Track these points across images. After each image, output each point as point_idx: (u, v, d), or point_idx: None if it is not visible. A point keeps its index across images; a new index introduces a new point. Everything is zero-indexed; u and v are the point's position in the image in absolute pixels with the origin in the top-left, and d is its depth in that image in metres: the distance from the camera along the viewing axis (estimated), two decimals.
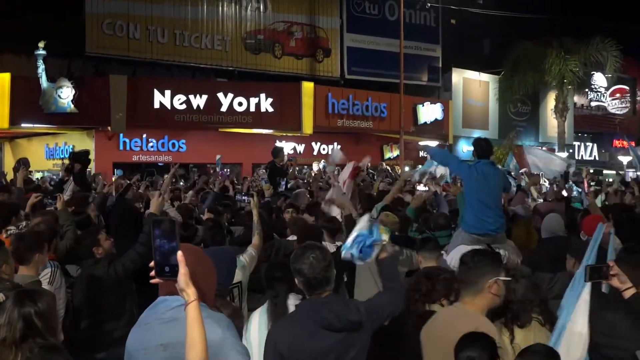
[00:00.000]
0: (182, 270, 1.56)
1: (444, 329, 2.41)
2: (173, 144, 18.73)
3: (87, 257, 3.69)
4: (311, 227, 4.53)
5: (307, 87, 19.13)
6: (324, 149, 21.62)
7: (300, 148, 21.13)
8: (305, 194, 7.26)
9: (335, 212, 5.03)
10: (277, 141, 19.03)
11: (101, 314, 3.51)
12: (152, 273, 1.57)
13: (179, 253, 1.56)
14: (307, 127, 18.98)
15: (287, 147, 18.84)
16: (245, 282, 3.76)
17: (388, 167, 16.69)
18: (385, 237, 2.45)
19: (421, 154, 22.40)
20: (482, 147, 5.06)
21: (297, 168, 13.50)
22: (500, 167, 6.33)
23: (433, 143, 21.56)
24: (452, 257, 4.11)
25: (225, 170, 16.29)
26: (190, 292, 1.59)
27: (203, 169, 19.20)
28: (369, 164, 14.85)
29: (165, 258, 1.55)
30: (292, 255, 2.42)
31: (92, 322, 3.53)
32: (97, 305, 3.55)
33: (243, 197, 3.84)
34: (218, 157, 13.42)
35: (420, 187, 7.06)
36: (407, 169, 16.09)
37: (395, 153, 22.60)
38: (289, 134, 19.60)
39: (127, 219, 4.42)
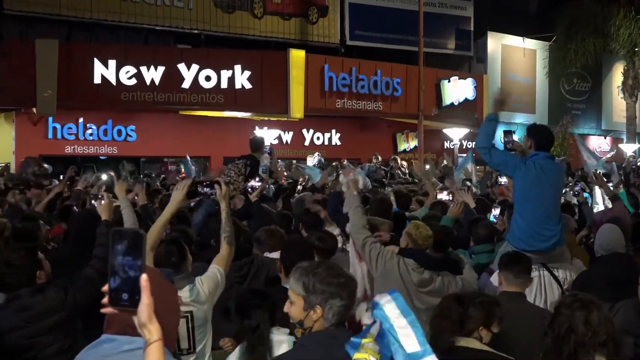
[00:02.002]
0: (146, 300, 1.56)
1: None
2: (119, 132, 18.76)
3: (24, 284, 3.52)
4: (296, 242, 4.53)
5: (297, 56, 19.12)
6: (318, 139, 21.92)
7: (287, 137, 21.22)
8: (312, 199, 7.48)
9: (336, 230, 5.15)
10: (257, 128, 19.14)
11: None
12: (104, 300, 1.57)
13: (144, 277, 1.57)
14: (297, 110, 19.05)
15: (270, 135, 18.89)
16: (202, 314, 3.66)
17: (403, 163, 16.94)
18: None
19: (446, 144, 23.14)
20: (542, 135, 5.07)
21: (279, 163, 13.53)
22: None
23: (461, 131, 21.83)
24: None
25: (178, 165, 16.25)
26: (154, 330, 1.59)
27: (159, 164, 19.62)
28: (379, 158, 16.27)
29: (125, 282, 1.57)
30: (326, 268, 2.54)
31: None
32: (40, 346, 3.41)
33: (205, 190, 3.87)
34: (188, 158, 13.61)
35: (442, 195, 7.19)
36: (427, 167, 16.33)
37: (413, 144, 22.68)
38: (272, 118, 19.62)
39: (88, 231, 4.38)
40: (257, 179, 7.07)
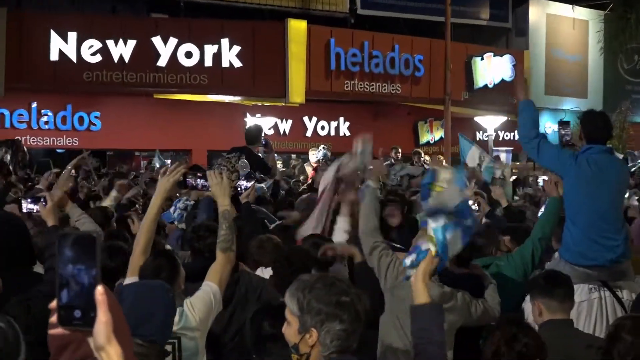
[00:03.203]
0: (103, 318, 1.58)
1: None
2: (80, 119, 18.94)
3: None
4: (292, 252, 4.61)
5: (297, 28, 19.20)
6: (323, 129, 22.18)
7: (285, 127, 21.50)
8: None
9: (342, 233, 5.27)
10: (248, 115, 19.53)
11: None
12: (53, 319, 1.59)
13: (99, 289, 1.58)
14: (296, 94, 19.17)
15: (264, 125, 18.56)
16: (193, 345, 3.69)
17: (427, 158, 16.92)
18: (431, 246, 2.94)
19: (478, 136, 23.01)
20: (596, 125, 5.10)
21: (276, 157, 13.42)
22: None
23: (497, 119, 21.80)
24: None
25: (151, 161, 16.38)
26: (114, 354, 1.61)
27: (129, 158, 19.99)
28: (400, 153, 16.07)
29: (77, 296, 1.58)
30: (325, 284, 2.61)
31: None
32: None
33: (199, 181, 4.14)
34: (157, 152, 13.98)
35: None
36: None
37: (438, 135, 22.95)
38: (267, 104, 19.79)
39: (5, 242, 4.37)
40: (245, 176, 7.18)
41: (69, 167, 6.61)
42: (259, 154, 9.63)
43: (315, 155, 15.67)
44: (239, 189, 6.76)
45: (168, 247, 5.86)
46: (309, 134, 21.85)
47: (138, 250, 3.99)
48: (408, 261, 2.99)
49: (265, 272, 4.97)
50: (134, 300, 2.87)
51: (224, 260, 3.95)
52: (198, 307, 3.73)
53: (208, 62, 18.14)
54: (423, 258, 2.91)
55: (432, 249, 2.93)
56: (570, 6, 24.25)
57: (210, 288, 3.84)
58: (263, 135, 10.46)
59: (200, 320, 3.71)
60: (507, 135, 23.14)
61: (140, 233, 3.99)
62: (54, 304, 1.59)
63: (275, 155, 11.73)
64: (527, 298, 4.41)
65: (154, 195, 4.10)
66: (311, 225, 5.51)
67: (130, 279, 3.86)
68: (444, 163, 16.67)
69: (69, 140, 18.75)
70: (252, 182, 6.96)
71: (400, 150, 16.29)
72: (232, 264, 4.03)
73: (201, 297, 3.76)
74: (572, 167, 4.99)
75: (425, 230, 3.00)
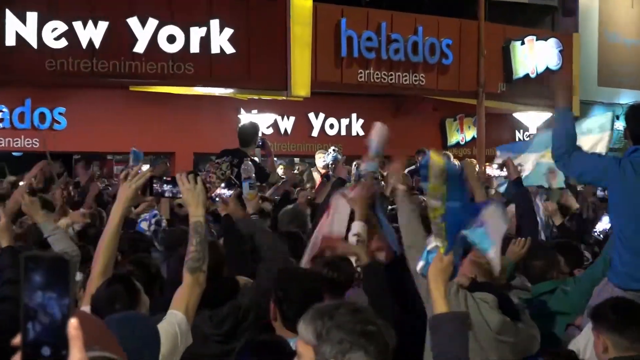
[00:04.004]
0: (77, 355, 1.64)
1: None
2: (42, 116, 18.95)
3: None
4: (298, 273, 4.74)
5: (300, 6, 19.24)
6: (332, 127, 22.28)
7: (287, 125, 21.63)
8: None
9: (351, 238, 5.39)
10: (242, 111, 19.59)
11: None
12: (17, 358, 1.63)
13: (73, 322, 1.63)
14: (300, 85, 19.21)
15: (262, 122, 19.03)
16: None
17: (456, 162, 16.33)
18: (438, 242, 3.19)
19: (518, 135, 23.36)
20: None
21: (277, 162, 13.87)
22: None
23: (540, 116, 21.78)
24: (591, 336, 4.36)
25: (127, 165, 16.45)
26: None
27: (100, 163, 20.26)
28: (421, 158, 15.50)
29: (47, 330, 1.62)
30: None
31: None
32: None
33: (165, 187, 4.26)
34: (133, 149, 13.91)
35: (493, 170, 7.90)
36: (494, 168, 15.64)
37: (470, 134, 23.13)
38: (264, 98, 19.81)
39: None
40: (226, 184, 7.01)
41: (26, 180, 7.08)
42: (255, 158, 9.92)
43: (323, 159, 15.59)
44: (216, 199, 6.73)
45: (156, 258, 6.16)
46: (315, 133, 21.89)
47: (96, 271, 4.13)
48: (418, 268, 3.18)
49: None
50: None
51: (191, 282, 4.00)
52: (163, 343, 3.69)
53: (194, 48, 18.06)
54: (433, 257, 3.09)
55: (440, 244, 3.09)
56: None
57: (174, 318, 3.88)
58: (260, 135, 10.71)
59: (163, 358, 3.64)
60: None
61: (99, 250, 4.11)
62: (17, 340, 1.64)
63: (275, 159, 11.97)
64: (585, 330, 4.57)
65: (114, 205, 4.22)
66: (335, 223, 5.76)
67: (86, 307, 3.90)
68: (477, 168, 16.65)
69: (28, 141, 18.67)
70: (233, 191, 6.84)
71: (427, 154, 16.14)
72: (202, 288, 4.03)
73: (164, 330, 3.73)
74: (616, 174, 5.12)
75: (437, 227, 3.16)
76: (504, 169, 7.79)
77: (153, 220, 8.28)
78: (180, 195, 4.21)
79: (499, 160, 10.06)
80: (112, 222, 4.18)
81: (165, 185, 4.23)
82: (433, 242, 3.15)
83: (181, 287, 4.02)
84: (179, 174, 4.29)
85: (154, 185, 4.26)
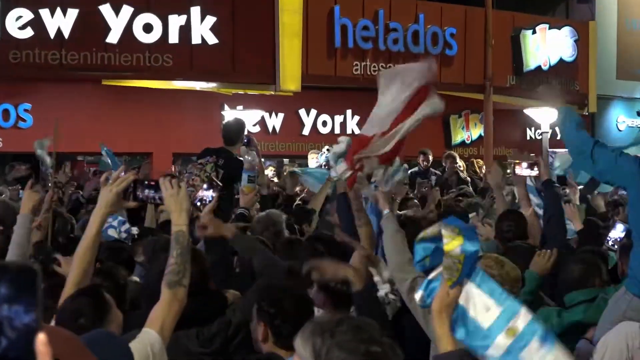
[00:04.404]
0: None
1: None
2: (5, 113, 19.02)
3: None
4: (293, 289, 4.69)
5: None
6: (324, 125, 22.30)
7: (276, 122, 21.70)
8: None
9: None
10: (226, 107, 19.68)
11: None
12: None
13: (41, 338, 1.66)
14: (290, 79, 19.30)
15: (249, 119, 18.90)
16: None
17: (461, 164, 17.06)
18: (444, 273, 3.02)
19: (529, 134, 23.70)
20: None
21: (265, 163, 15.05)
22: None
23: (554, 112, 21.52)
24: (607, 344, 4.58)
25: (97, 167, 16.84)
26: None
27: (69, 165, 19.74)
28: (430, 158, 16.82)
29: (12, 346, 1.66)
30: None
31: None
32: None
33: (147, 192, 4.28)
34: (104, 149, 14.27)
35: (522, 170, 8.15)
36: (524, 167, 15.79)
37: (477, 132, 23.23)
38: (250, 92, 20.02)
39: None
40: (207, 186, 7.14)
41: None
42: (241, 158, 9.69)
43: (316, 160, 16.30)
44: (197, 203, 6.72)
45: (135, 278, 6.21)
46: (306, 131, 21.94)
47: (70, 282, 4.18)
48: (417, 298, 3.12)
49: None
50: None
51: (169, 298, 4.03)
52: None
53: (173, 38, 18.12)
54: (435, 289, 3.01)
55: (447, 276, 2.96)
56: None
57: (148, 337, 3.89)
58: (246, 132, 10.70)
59: None
60: None
61: (75, 260, 4.18)
62: None
63: (263, 160, 12.48)
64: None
65: (94, 210, 4.29)
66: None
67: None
68: (483, 169, 17.12)
69: None
70: (217, 194, 6.88)
71: (429, 156, 16.85)
72: (181, 304, 4.06)
73: (136, 349, 3.74)
74: (635, 175, 5.23)
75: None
76: (535, 168, 7.90)
77: (123, 228, 8.25)
78: (163, 202, 4.25)
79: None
80: (91, 229, 4.23)
81: (147, 190, 4.26)
82: (436, 272, 3.05)
83: (158, 303, 4.03)
84: (162, 178, 4.32)
85: (137, 190, 4.28)
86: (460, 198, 12.81)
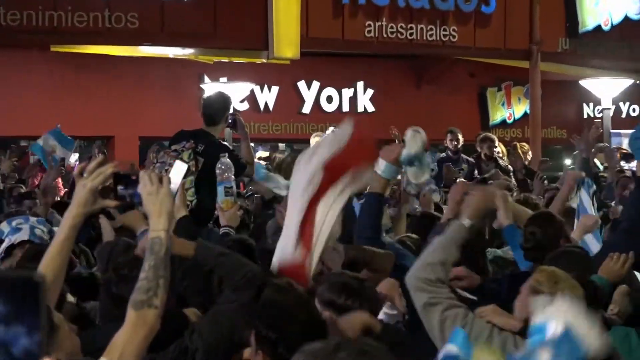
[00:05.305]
0: None
1: None
2: None
3: None
4: (303, 306, 4.69)
5: None
6: (329, 101, 22.38)
7: (269, 97, 21.84)
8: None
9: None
10: (206, 79, 20.01)
11: None
12: None
13: None
14: (286, 44, 19.33)
15: (235, 93, 18.32)
16: None
17: (500, 149, 16.93)
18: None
19: (587, 111, 23.98)
20: None
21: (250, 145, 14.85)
22: None
23: (618, 84, 21.13)
24: None
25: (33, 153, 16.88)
26: None
27: (9, 151, 19.35)
28: (460, 138, 16.92)
29: None
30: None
31: None
32: None
33: (129, 190, 4.23)
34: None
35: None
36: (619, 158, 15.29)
37: (521, 109, 23.33)
38: (236, 60, 20.22)
39: None
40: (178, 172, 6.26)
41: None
42: (226, 143, 9.94)
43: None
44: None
45: (71, 299, 6.15)
46: (306, 109, 21.85)
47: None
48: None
49: None
50: None
51: (134, 321, 3.99)
52: None
53: None
54: None
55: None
56: None
57: None
58: (231, 110, 10.70)
59: None
60: (634, 110, 23.44)
61: (40, 269, 4.20)
62: None
63: (252, 145, 11.88)
64: None
65: (67, 211, 4.32)
66: (287, 244, 5.95)
67: None
68: (529, 156, 16.99)
69: None
70: (183, 180, 6.43)
71: (459, 135, 16.57)
72: (150, 330, 4.00)
73: None
74: None
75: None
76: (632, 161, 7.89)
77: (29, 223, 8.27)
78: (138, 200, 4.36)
79: None
80: (60, 233, 4.28)
81: (131, 186, 4.30)
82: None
83: (123, 327, 4.01)
84: (143, 172, 4.31)
85: (119, 186, 4.32)
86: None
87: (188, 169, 7.80)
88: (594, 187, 10.43)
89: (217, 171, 7.99)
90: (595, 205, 9.78)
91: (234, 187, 8.39)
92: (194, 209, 8.36)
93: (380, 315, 5.15)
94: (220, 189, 7.94)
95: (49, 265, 4.23)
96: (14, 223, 8.17)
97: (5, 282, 1.69)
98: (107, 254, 6.79)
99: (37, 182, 12.88)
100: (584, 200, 9.12)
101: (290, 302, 4.72)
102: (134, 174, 4.41)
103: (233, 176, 8.17)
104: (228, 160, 8.09)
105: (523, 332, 4.54)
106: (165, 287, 4.15)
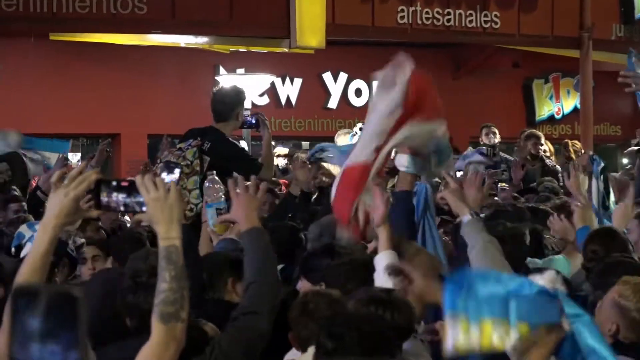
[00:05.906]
0: None
1: None
2: None
3: None
4: (362, 314, 5.02)
5: None
6: (358, 94, 22.91)
7: (291, 91, 22.24)
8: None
9: (384, 277, 5.69)
10: (222, 69, 20.40)
11: None
12: None
13: None
14: (311, 31, 19.61)
15: (253, 86, 18.80)
16: None
17: (548, 147, 17.14)
18: None
19: None
20: None
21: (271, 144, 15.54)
22: None
23: None
24: None
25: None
26: None
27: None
28: (497, 135, 17.15)
29: None
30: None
31: None
32: None
33: (119, 197, 4.30)
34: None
35: None
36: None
37: (571, 103, 23.90)
38: (255, 49, 20.51)
39: None
40: (164, 167, 7.84)
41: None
42: (236, 142, 10.09)
43: (347, 139, 16.34)
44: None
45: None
46: (332, 103, 22.32)
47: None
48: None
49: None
50: None
51: (164, 337, 4.13)
52: None
53: None
54: None
55: None
56: None
57: None
58: (249, 107, 11.74)
59: None
60: None
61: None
62: None
63: (273, 144, 12.39)
64: None
65: (41, 222, 4.35)
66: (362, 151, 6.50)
67: None
68: (582, 156, 16.51)
69: None
70: (176, 175, 7.34)
71: (496, 131, 16.81)
72: (179, 346, 4.19)
73: None
74: None
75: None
76: None
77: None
78: (142, 209, 4.24)
79: None
80: (38, 247, 4.25)
81: (117, 193, 4.24)
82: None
83: (150, 342, 4.11)
84: (140, 177, 4.32)
85: (101, 194, 4.25)
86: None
87: (180, 172, 8.13)
88: (602, 163, 10.64)
89: (206, 191, 8.01)
90: (602, 185, 10.03)
91: (226, 208, 8.09)
92: (199, 212, 8.49)
93: None
94: (210, 211, 7.94)
95: (32, 275, 4.22)
96: (36, 227, 8.14)
97: (41, 296, 1.74)
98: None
99: (34, 183, 13.06)
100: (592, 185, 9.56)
101: (352, 309, 5.03)
102: (123, 179, 4.45)
103: (222, 195, 8.08)
104: (216, 178, 8.08)
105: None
106: (188, 298, 4.24)
